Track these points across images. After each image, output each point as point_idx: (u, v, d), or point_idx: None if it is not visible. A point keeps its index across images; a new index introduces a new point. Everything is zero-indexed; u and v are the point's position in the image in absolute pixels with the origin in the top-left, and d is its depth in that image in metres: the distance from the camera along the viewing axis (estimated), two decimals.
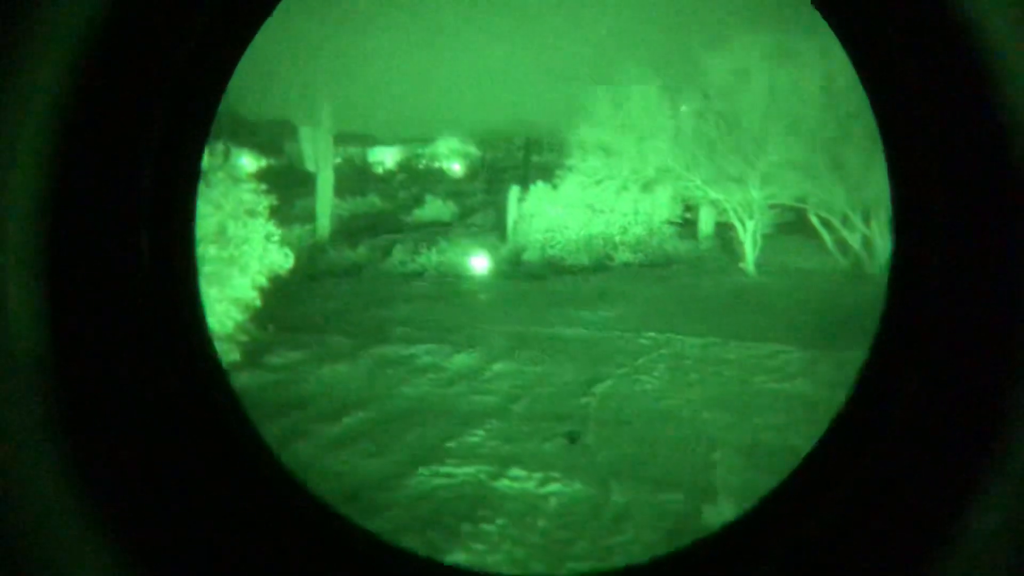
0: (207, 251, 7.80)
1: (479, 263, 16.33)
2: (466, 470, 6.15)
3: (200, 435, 1.19)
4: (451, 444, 6.72)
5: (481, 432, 7.03)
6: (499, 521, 5.32)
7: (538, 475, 6.03)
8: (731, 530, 1.33)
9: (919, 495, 1.11)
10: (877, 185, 14.38)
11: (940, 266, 1.12)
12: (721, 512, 5.32)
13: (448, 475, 6.06)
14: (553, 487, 5.83)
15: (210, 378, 1.30)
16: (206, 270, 7.82)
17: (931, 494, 1.10)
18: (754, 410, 7.50)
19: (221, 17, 1.19)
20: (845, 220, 15.36)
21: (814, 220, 15.99)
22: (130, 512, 1.09)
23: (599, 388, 8.35)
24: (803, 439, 6.65)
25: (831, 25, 1.29)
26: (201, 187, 8.33)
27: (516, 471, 6.12)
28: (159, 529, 1.12)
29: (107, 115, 1.07)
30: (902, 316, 1.22)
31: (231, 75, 1.28)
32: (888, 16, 1.13)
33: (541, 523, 5.31)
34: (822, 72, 15.10)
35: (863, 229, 15.22)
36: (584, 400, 7.97)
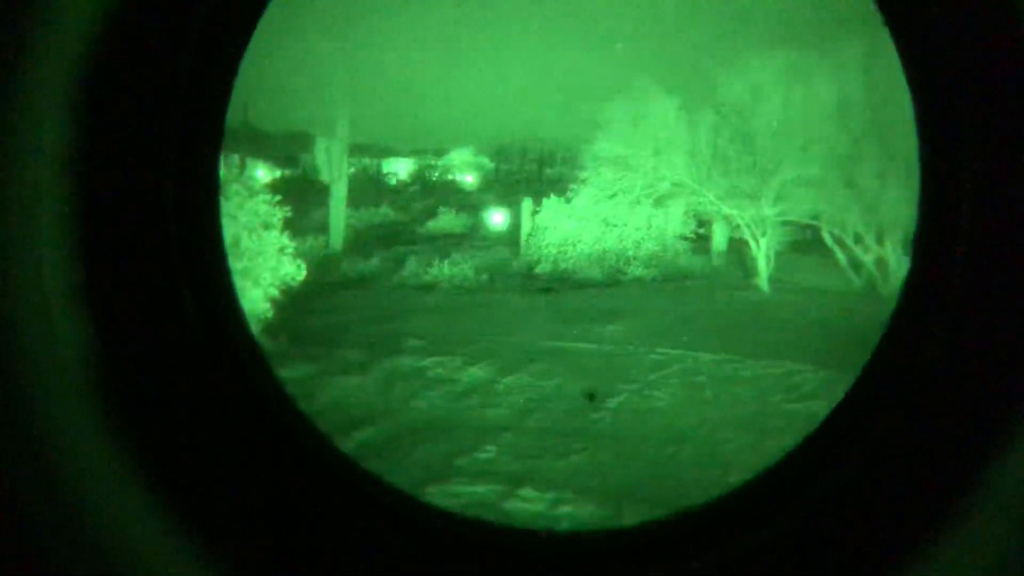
0: None
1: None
2: (476, 490, 6.09)
3: (240, 412, 1.22)
4: (461, 461, 6.67)
5: (492, 448, 6.98)
6: None
7: (550, 496, 5.96)
8: (732, 499, 1.34)
9: (923, 478, 1.11)
10: (891, 205, 14.28)
11: (966, 258, 1.11)
12: None
13: (457, 495, 6.01)
14: (565, 509, 5.77)
15: (249, 359, 1.32)
16: None
17: (935, 478, 1.09)
18: (770, 431, 7.41)
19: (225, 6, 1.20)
20: (858, 239, 15.25)
21: (827, 238, 15.88)
22: (174, 478, 1.11)
23: (612, 404, 8.29)
24: None
25: (884, 18, 1.26)
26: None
27: (527, 491, 6.06)
28: (203, 492, 1.14)
29: (125, 110, 1.09)
30: (915, 305, 1.23)
31: (241, 58, 1.29)
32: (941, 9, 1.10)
33: None
34: (837, 91, 15.05)
35: (876, 249, 15.10)
36: (596, 416, 7.90)
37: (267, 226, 8.58)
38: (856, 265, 15.50)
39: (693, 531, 1.32)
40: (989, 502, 1.04)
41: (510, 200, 23.35)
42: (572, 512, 5.73)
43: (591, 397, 6.51)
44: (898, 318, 1.25)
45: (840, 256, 15.70)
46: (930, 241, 1.22)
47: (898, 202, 14.09)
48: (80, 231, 1.06)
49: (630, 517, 5.61)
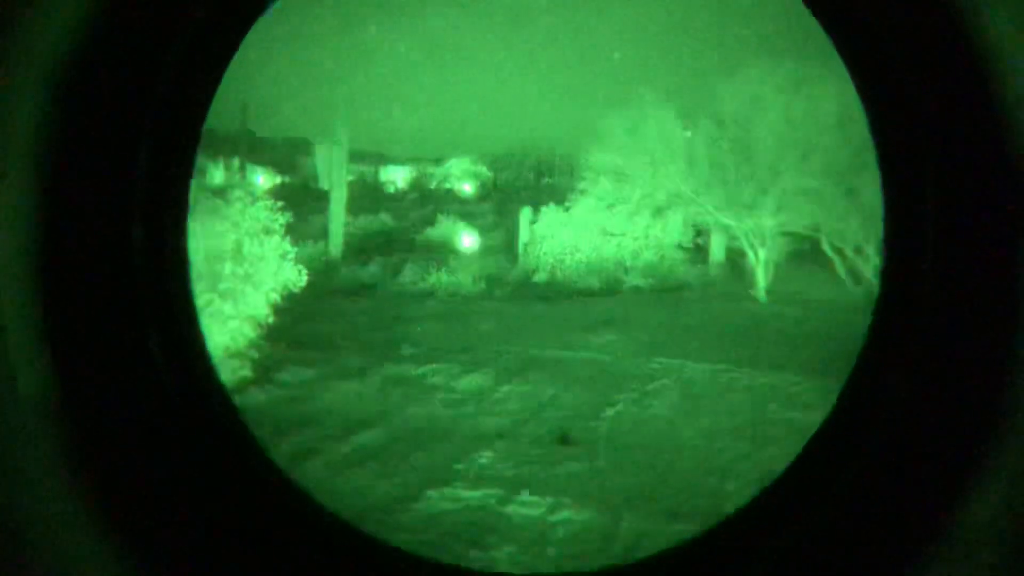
0: (223, 268, 7.85)
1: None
2: (474, 494, 6.09)
3: (199, 444, 1.20)
4: (459, 466, 6.67)
5: (490, 454, 6.98)
6: (507, 549, 5.26)
7: (549, 501, 5.96)
8: (727, 527, 1.33)
9: (912, 490, 1.11)
10: None
11: (933, 263, 1.12)
12: None
13: (456, 499, 6.01)
14: (563, 514, 5.77)
15: (209, 392, 1.30)
16: (221, 286, 7.85)
17: (924, 490, 1.09)
18: (767, 440, 7.42)
19: (214, 15, 1.19)
20: (859, 250, 15.29)
21: (827, 249, 15.92)
22: (134, 520, 1.09)
23: (609, 412, 8.29)
24: None
25: (823, 26, 1.28)
26: (219, 205, 8.41)
27: (525, 496, 6.06)
28: (164, 537, 1.12)
29: (99, 118, 1.08)
30: (896, 312, 1.23)
31: (223, 72, 1.29)
32: (883, 16, 1.11)
33: (550, 551, 5.25)
34: (837, 102, 15.13)
35: (876, 259, 15.14)
36: (594, 424, 7.91)
37: (268, 231, 8.60)
38: (856, 276, 15.54)
39: (680, 571, 1.30)
40: (971, 522, 1.04)
41: (508, 209, 23.40)
42: (570, 517, 5.73)
43: (564, 440, 6.53)
44: (869, 348, 1.25)
45: (840, 266, 15.74)
46: (898, 262, 1.23)
47: None
48: (43, 266, 1.04)
49: (629, 523, 5.62)
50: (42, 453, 1.04)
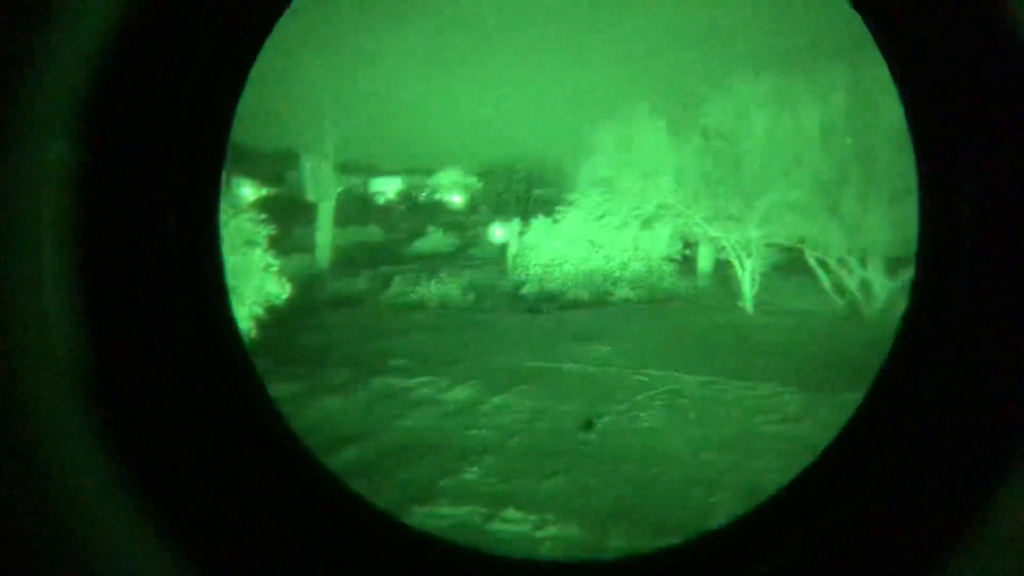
0: None
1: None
2: (460, 511, 6.04)
3: (224, 417, 1.22)
4: (445, 482, 6.62)
5: (476, 469, 6.93)
6: None
7: (533, 517, 5.92)
8: (738, 526, 1.32)
9: (941, 489, 1.09)
10: (873, 229, 14.46)
11: (966, 264, 1.09)
12: None
13: (442, 516, 5.95)
14: (549, 531, 5.72)
15: (243, 377, 1.35)
16: None
17: (945, 496, 1.08)
18: (754, 452, 7.41)
19: (236, 17, 1.21)
20: (842, 262, 15.40)
21: (811, 261, 16.03)
22: (161, 493, 1.11)
23: (597, 424, 8.27)
24: None
25: (865, 19, 1.26)
26: None
27: (511, 512, 6.01)
28: (189, 509, 1.14)
29: (130, 121, 1.10)
30: (924, 317, 1.20)
31: (247, 75, 1.31)
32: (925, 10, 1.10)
33: None
34: (821, 116, 15.29)
35: (860, 272, 15.26)
36: (582, 437, 7.88)
37: (251, 244, 8.55)
38: (840, 288, 15.64)
39: (677, 566, 1.32)
40: (989, 538, 1.03)
41: (498, 220, 23.42)
42: (556, 533, 5.69)
43: (589, 424, 6.47)
44: (898, 349, 1.24)
45: (824, 279, 15.85)
46: (931, 271, 1.21)
47: (881, 226, 14.27)
48: (80, 245, 1.07)
49: (615, 539, 5.58)
50: (80, 436, 1.06)
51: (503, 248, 19.61)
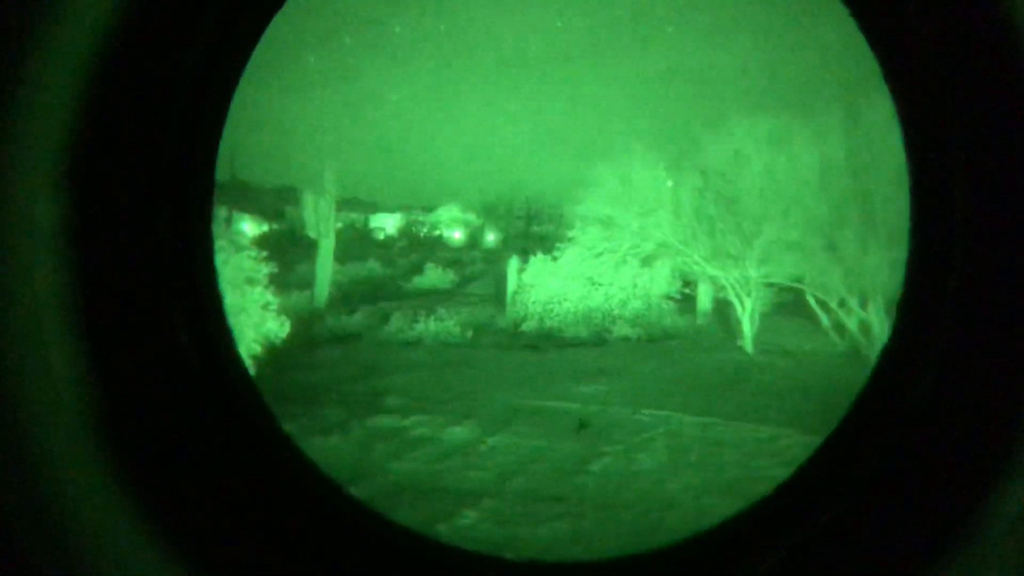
0: None
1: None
2: None
3: (220, 422, 1.21)
4: (441, 527, 6.50)
5: (473, 513, 6.81)
6: None
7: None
8: (730, 526, 1.30)
9: (930, 491, 1.08)
10: (873, 270, 14.50)
11: (959, 260, 1.09)
12: None
13: None
14: None
15: (236, 381, 1.33)
16: None
17: (942, 491, 1.07)
18: (755, 497, 7.29)
19: (229, 18, 1.22)
20: (842, 303, 15.41)
21: (811, 301, 16.04)
22: (157, 497, 1.10)
23: (596, 466, 8.16)
24: None
25: (857, 22, 1.25)
26: None
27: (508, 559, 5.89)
28: (189, 522, 1.13)
29: (122, 125, 1.10)
30: (918, 308, 1.20)
31: (241, 74, 1.31)
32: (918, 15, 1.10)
33: None
34: (818, 156, 15.45)
35: (860, 313, 15.25)
36: (580, 479, 7.76)
37: (251, 282, 8.54)
38: (840, 328, 15.62)
39: (669, 566, 1.29)
40: (997, 518, 1.01)
41: (496, 257, 23.51)
42: None
43: (583, 426, 6.38)
44: (885, 360, 1.24)
45: (824, 319, 15.83)
46: (917, 292, 1.21)
47: (880, 267, 14.31)
48: (74, 252, 1.07)
49: None
50: (76, 442, 1.06)
51: (502, 285, 19.63)
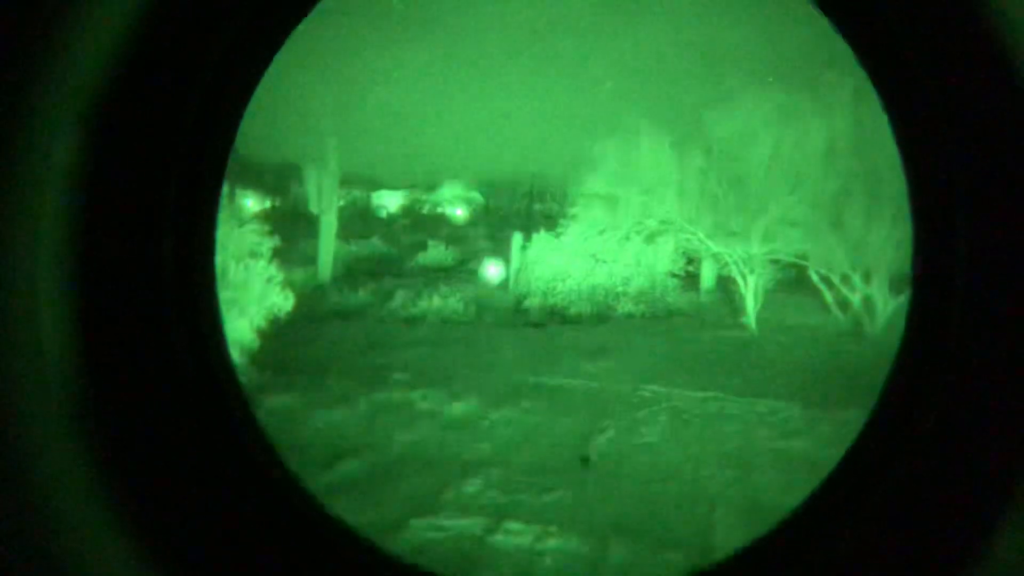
0: None
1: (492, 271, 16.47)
2: (461, 523, 6.00)
3: (212, 439, 1.22)
4: (446, 495, 6.58)
5: (478, 482, 6.89)
6: None
7: (535, 529, 5.88)
8: (752, 550, 1.31)
9: (947, 513, 1.08)
10: (877, 245, 14.46)
11: (963, 274, 1.08)
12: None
13: (442, 528, 5.92)
14: (551, 543, 5.68)
15: (225, 389, 1.33)
16: None
17: (959, 513, 1.06)
18: (755, 468, 7.37)
19: (248, 28, 1.22)
20: (845, 279, 15.39)
21: (814, 277, 16.02)
22: (144, 509, 1.11)
23: (599, 440, 8.23)
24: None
25: (839, 29, 1.25)
26: None
27: (513, 525, 5.97)
28: (172, 528, 1.13)
29: (135, 131, 1.11)
30: (927, 328, 1.19)
31: (254, 89, 1.32)
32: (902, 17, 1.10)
33: None
34: (825, 132, 15.34)
35: (863, 288, 15.24)
36: (584, 453, 7.84)
37: (255, 255, 8.56)
38: (843, 304, 15.62)
39: None
40: (1007, 547, 1.01)
41: (500, 235, 23.46)
42: (558, 546, 5.65)
43: (586, 460, 6.44)
44: (895, 380, 1.23)
45: (827, 295, 15.83)
46: (926, 303, 1.20)
47: (885, 242, 14.28)
48: (77, 255, 1.07)
49: (616, 552, 5.54)
50: (70, 453, 1.06)
51: (505, 262, 19.62)
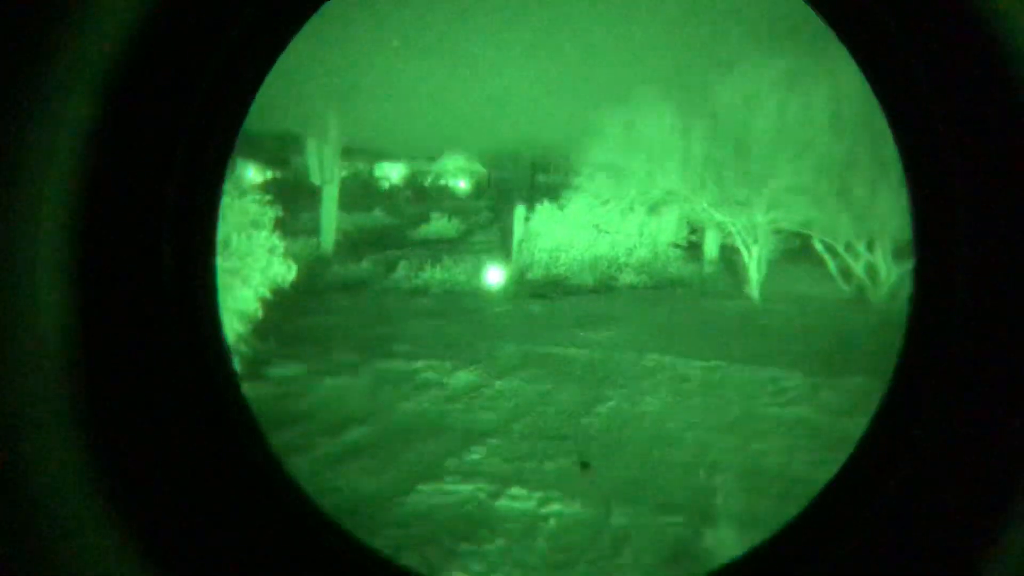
0: None
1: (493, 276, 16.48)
2: (465, 488, 6.08)
3: (211, 441, 1.22)
4: (451, 462, 6.66)
5: (482, 450, 6.97)
6: (498, 541, 5.25)
7: (538, 495, 5.96)
8: (761, 551, 1.30)
9: (949, 518, 1.08)
10: (882, 212, 14.37)
11: (965, 274, 1.08)
12: (721, 537, 5.25)
13: (447, 493, 6.00)
14: (553, 507, 5.77)
15: (223, 387, 1.33)
16: None
17: (962, 518, 1.07)
18: (756, 435, 7.43)
19: (251, 30, 1.21)
20: (849, 247, 15.34)
21: (818, 246, 15.97)
22: (141, 509, 1.11)
23: (602, 409, 8.29)
24: (804, 465, 6.59)
25: (834, 29, 1.24)
26: None
27: (516, 490, 6.05)
28: (169, 529, 1.14)
29: (136, 129, 1.10)
30: (929, 329, 1.19)
31: (259, 88, 1.32)
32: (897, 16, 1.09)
33: (540, 544, 5.24)
34: (831, 99, 15.15)
35: (867, 256, 15.20)
36: (586, 421, 7.91)
37: (257, 225, 8.55)
38: (846, 273, 15.60)
39: None
40: (1010, 552, 1.01)
41: (503, 206, 23.38)
42: (560, 510, 5.73)
43: (586, 466, 6.47)
44: (898, 382, 1.22)
45: (830, 264, 15.80)
46: (927, 303, 1.19)
47: (889, 210, 14.19)
48: (78, 250, 1.07)
49: (618, 516, 5.62)
50: (69, 454, 1.07)
51: (507, 235, 19.58)
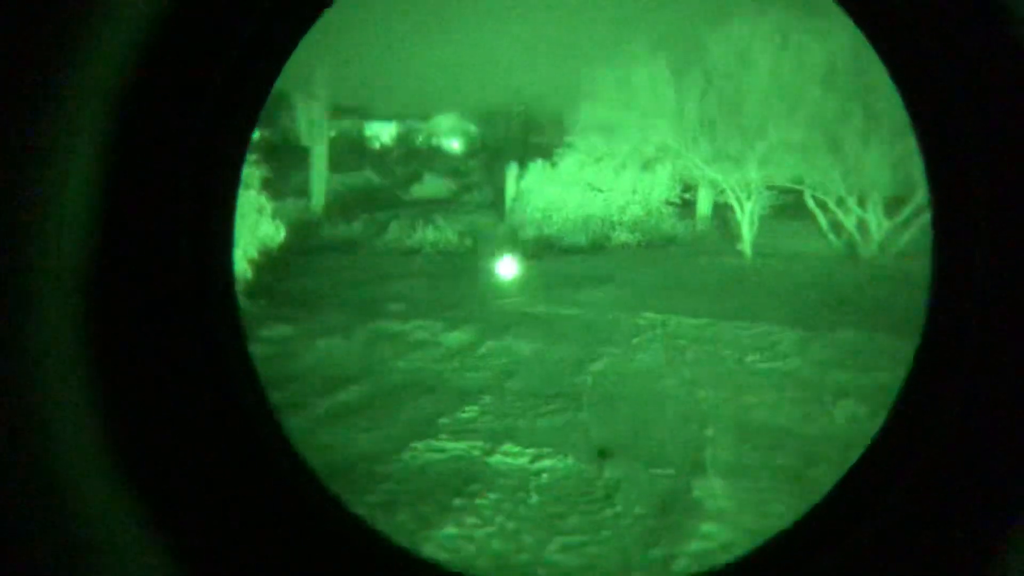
0: None
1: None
2: (459, 445, 6.15)
3: (225, 426, 1.24)
4: (444, 419, 6.72)
5: (475, 408, 7.03)
6: (491, 495, 5.32)
7: (531, 451, 6.03)
8: (767, 549, 1.31)
9: (962, 519, 1.08)
10: (873, 167, 14.33)
11: (984, 272, 1.07)
12: (711, 487, 5.34)
13: (441, 450, 6.06)
14: (546, 463, 5.84)
15: (241, 372, 1.36)
16: None
17: (975, 520, 1.07)
18: (747, 388, 7.51)
19: (261, 33, 1.22)
20: (840, 202, 15.33)
21: (810, 202, 15.95)
22: (153, 490, 1.13)
23: (595, 366, 8.35)
24: (793, 417, 6.68)
25: (859, 26, 1.22)
26: None
27: (509, 447, 6.12)
28: (191, 520, 1.16)
29: (149, 135, 1.11)
30: (944, 329, 1.17)
31: (270, 91, 1.33)
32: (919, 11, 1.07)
33: (533, 497, 5.32)
34: (824, 54, 14.97)
35: (858, 211, 15.20)
36: (579, 378, 7.96)
37: (244, 185, 8.45)
38: (837, 228, 15.62)
39: None
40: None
41: (495, 165, 23.18)
42: (553, 465, 5.80)
43: (604, 455, 6.45)
44: (910, 388, 1.21)
45: (822, 220, 15.80)
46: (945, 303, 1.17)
47: (880, 164, 14.14)
48: (94, 245, 1.08)
49: (610, 470, 5.70)
50: (89, 447, 1.08)
51: (499, 194, 19.45)
